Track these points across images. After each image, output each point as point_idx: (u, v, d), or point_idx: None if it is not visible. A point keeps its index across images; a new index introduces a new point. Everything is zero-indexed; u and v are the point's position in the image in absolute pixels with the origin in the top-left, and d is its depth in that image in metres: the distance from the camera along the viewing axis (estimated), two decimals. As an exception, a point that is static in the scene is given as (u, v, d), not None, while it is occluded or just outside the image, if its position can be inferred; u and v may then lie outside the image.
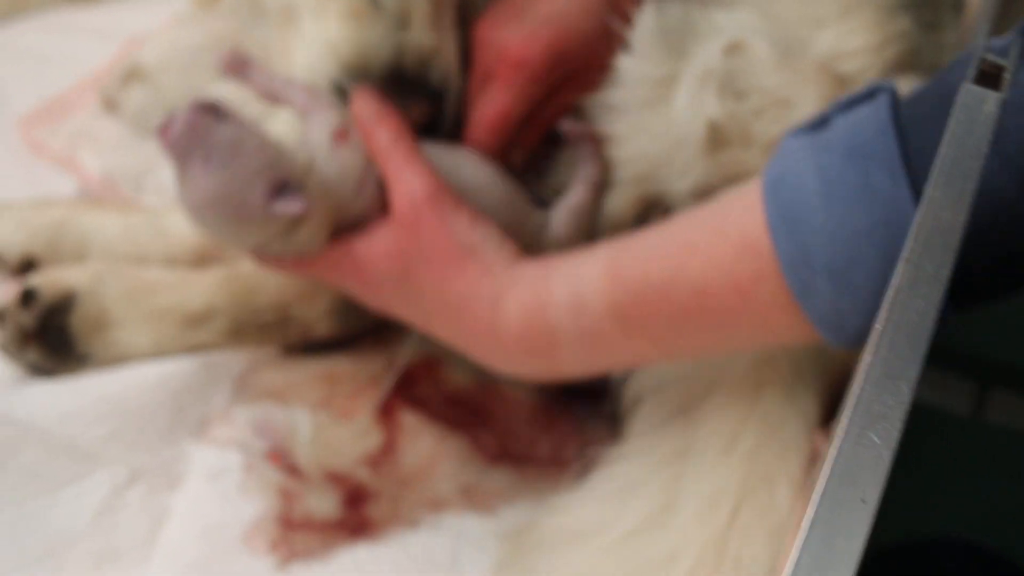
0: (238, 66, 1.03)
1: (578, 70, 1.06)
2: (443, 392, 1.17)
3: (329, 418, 1.15)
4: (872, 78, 1.06)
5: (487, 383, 1.18)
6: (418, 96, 1.02)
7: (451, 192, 0.97)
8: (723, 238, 0.82)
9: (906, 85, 1.05)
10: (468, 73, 1.10)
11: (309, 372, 1.18)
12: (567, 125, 1.08)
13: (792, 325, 0.81)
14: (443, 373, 1.19)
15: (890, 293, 0.53)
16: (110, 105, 1.46)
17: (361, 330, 1.19)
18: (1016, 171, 0.72)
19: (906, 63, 1.09)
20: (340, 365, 1.19)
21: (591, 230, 1.10)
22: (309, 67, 1.02)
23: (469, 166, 1.04)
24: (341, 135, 1.00)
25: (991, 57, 0.63)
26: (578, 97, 1.07)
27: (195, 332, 1.14)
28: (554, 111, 1.08)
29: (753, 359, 1.00)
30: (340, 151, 1.00)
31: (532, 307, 0.92)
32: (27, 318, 1.11)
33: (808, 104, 1.02)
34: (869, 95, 0.81)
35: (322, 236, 1.00)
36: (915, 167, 0.74)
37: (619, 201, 1.09)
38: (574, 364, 0.95)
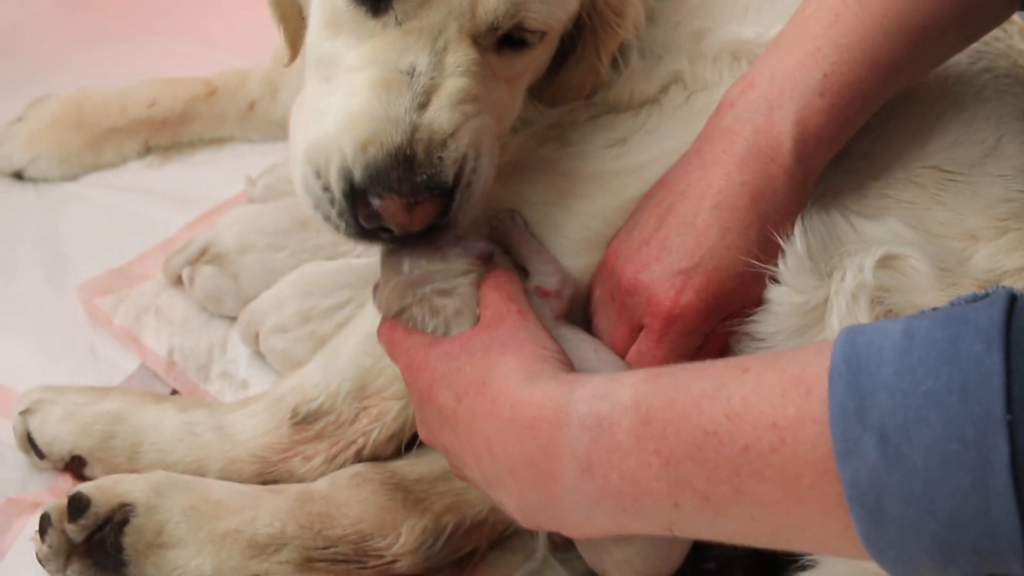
0: (509, 222, 1.08)
1: (734, 310, 1.01)
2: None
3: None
4: None
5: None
6: (430, 192, 0.96)
7: (536, 316, 0.97)
8: (778, 370, 0.74)
9: None
10: (601, 311, 1.07)
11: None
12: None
13: (823, 494, 0.70)
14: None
15: None
16: (176, 281, 1.42)
17: (445, 565, 1.13)
18: None
19: None
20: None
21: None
22: (322, 141, 0.99)
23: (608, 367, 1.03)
24: (543, 293, 1.04)
25: None
26: (734, 332, 1.02)
27: (261, 561, 1.07)
28: (711, 351, 1.03)
29: None
30: (558, 325, 1.03)
31: (562, 382, 0.86)
32: (75, 530, 1.04)
33: None
34: (998, 290, 0.73)
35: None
36: (1019, 344, 0.64)
37: None
38: (568, 462, 0.83)
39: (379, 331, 1.06)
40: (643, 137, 1.12)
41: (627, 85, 1.15)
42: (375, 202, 0.96)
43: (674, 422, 0.76)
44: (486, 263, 1.03)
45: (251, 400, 1.21)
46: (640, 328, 1.02)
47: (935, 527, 0.65)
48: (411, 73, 0.98)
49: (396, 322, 1.04)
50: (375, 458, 1.16)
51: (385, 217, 0.97)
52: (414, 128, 0.96)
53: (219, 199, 1.53)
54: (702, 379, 0.77)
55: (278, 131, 1.66)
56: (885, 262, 0.99)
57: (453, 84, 0.98)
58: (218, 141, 1.67)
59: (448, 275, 1.02)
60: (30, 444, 1.19)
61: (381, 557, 1.09)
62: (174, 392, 1.32)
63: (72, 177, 1.59)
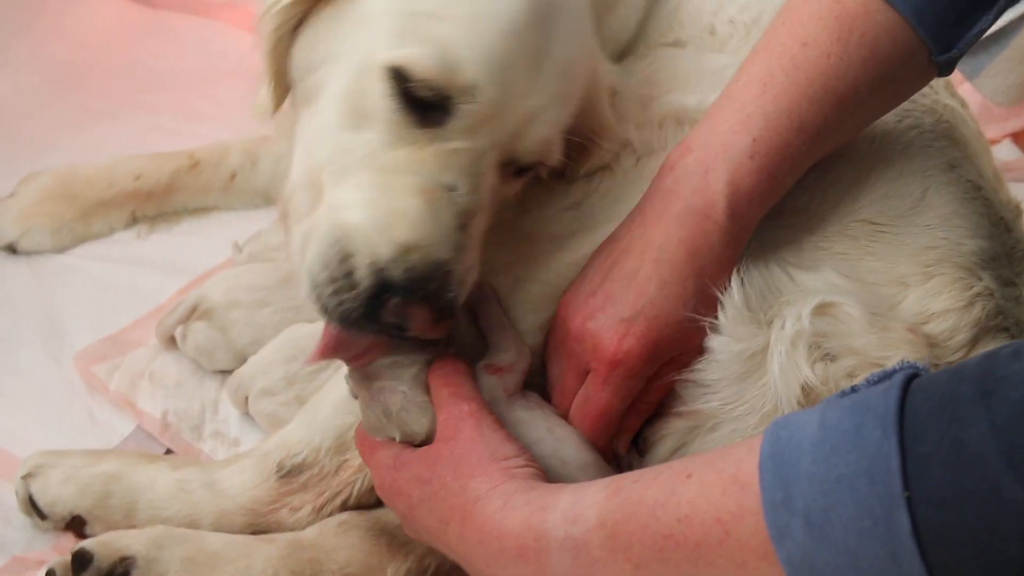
0: (482, 296, 1.08)
1: (674, 356, 1.05)
2: None
3: None
4: (961, 340, 1.06)
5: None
6: (451, 310, 1.01)
7: (490, 414, 1.00)
8: (717, 471, 0.81)
9: (995, 345, 1.06)
10: (554, 359, 1.10)
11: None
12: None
13: (767, 573, 0.77)
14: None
15: None
16: (168, 343, 1.46)
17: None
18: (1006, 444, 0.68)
19: (993, 323, 1.08)
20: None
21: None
22: (358, 228, 1.00)
23: (557, 447, 1.05)
24: (494, 369, 1.07)
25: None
26: (676, 378, 1.06)
27: None
28: (655, 395, 1.08)
29: None
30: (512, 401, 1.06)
31: (536, 508, 0.91)
32: None
33: None
34: (898, 370, 0.80)
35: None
36: (911, 428, 0.72)
37: None
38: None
39: (355, 435, 1.11)
40: (597, 200, 1.16)
41: None
42: (408, 307, 0.98)
43: (637, 532, 0.84)
44: (432, 347, 1.04)
45: (239, 457, 1.24)
46: (587, 372, 1.05)
47: None
48: (452, 190, 1.00)
49: (363, 430, 1.07)
50: (360, 507, 1.19)
51: (412, 323, 0.99)
52: (459, 249, 1.00)
53: (207, 266, 1.55)
54: (654, 489, 0.84)
55: (258, 199, 1.71)
56: (821, 310, 1.02)
57: (483, 219, 1.03)
58: (202, 210, 1.69)
59: (394, 368, 1.04)
60: (32, 507, 1.22)
61: None
62: (169, 452, 1.35)
63: (63, 249, 1.60)
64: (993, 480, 0.67)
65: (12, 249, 1.60)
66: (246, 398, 1.37)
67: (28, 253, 1.60)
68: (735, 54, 1.15)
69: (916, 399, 0.74)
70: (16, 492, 1.24)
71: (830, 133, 1.07)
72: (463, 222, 1.00)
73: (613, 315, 1.03)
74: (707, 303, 1.04)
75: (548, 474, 0.99)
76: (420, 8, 1.02)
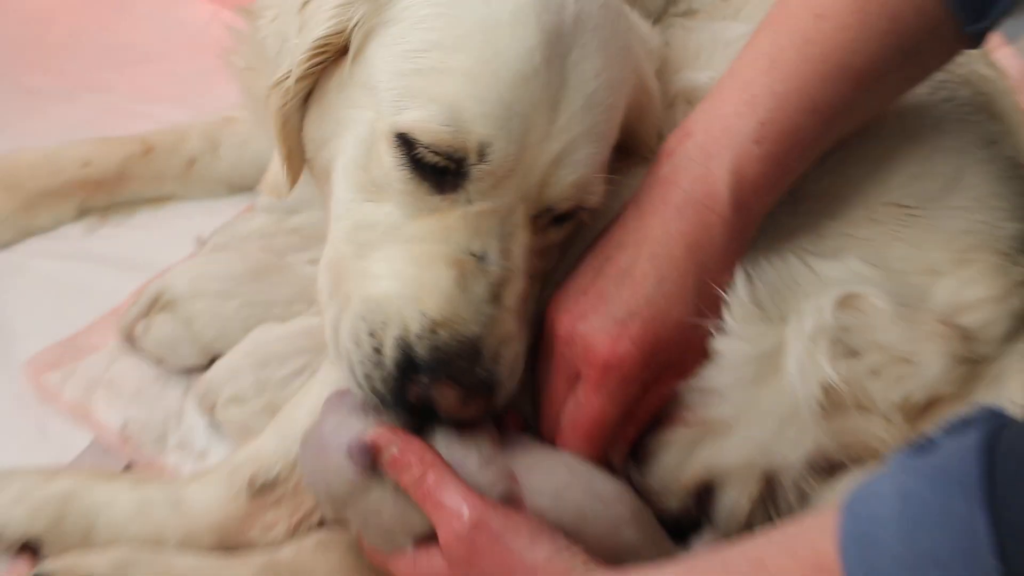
0: None
1: (673, 360, 1.02)
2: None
3: None
4: (998, 332, 1.03)
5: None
6: (482, 388, 0.98)
7: (498, 509, 0.95)
8: (794, 558, 0.79)
9: None
10: (540, 362, 1.08)
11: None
12: None
13: None
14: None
15: None
16: (130, 339, 1.40)
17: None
18: None
19: None
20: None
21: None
22: (387, 301, 0.99)
23: (588, 484, 1.03)
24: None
25: None
26: (677, 385, 1.04)
27: None
28: (654, 403, 1.05)
29: None
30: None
31: None
32: None
33: (932, 362, 1.00)
34: (980, 418, 0.78)
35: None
36: (1003, 498, 0.69)
37: (732, 502, 1.05)
38: None
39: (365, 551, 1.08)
40: None
41: None
42: (433, 388, 0.97)
43: None
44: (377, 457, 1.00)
45: (207, 472, 1.20)
46: (577, 377, 1.03)
47: None
48: (482, 258, 0.99)
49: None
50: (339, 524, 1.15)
51: (438, 403, 0.98)
52: (491, 322, 0.97)
53: (166, 262, 1.51)
54: None
55: (220, 188, 1.68)
56: (845, 302, 1.01)
57: (518, 285, 1.01)
58: (159, 200, 1.66)
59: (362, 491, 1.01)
60: None
61: None
62: (129, 466, 1.31)
63: (6, 244, 1.56)
64: None
65: None
66: (213, 405, 1.33)
67: None
68: (751, 21, 1.12)
69: (1005, 461, 0.72)
70: None
71: (847, 114, 1.05)
72: (496, 292, 0.99)
73: (606, 315, 1.01)
74: (710, 302, 1.01)
75: (588, 522, 0.98)
76: (422, 65, 1.01)
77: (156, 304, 1.40)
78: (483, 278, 0.99)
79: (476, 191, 0.99)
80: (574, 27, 1.00)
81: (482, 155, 0.97)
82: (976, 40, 1.07)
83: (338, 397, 1.05)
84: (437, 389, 0.96)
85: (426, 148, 0.98)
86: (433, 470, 0.97)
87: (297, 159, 1.16)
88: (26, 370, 1.39)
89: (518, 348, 1.01)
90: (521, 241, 1.01)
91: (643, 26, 1.13)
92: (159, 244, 1.56)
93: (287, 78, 1.10)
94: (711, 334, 1.01)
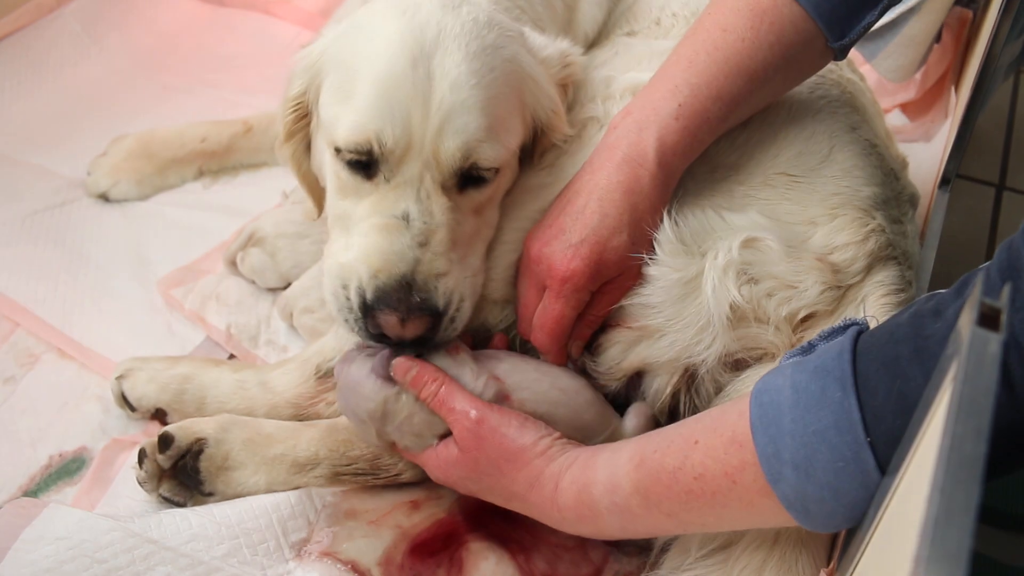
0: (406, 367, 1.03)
1: (613, 277, 1.04)
2: (508, 518, 1.10)
3: (408, 540, 1.09)
4: (859, 267, 1.05)
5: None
6: (421, 312, 1.00)
7: (494, 408, 0.99)
8: (718, 435, 0.84)
9: (887, 274, 1.06)
10: (521, 279, 1.09)
11: (392, 501, 1.13)
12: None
13: (770, 507, 0.81)
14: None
15: (926, 524, 0.48)
16: (232, 265, 1.44)
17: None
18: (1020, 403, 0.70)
19: (884, 253, 1.07)
20: (419, 494, 1.14)
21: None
22: (348, 265, 1.02)
23: (554, 379, 1.06)
24: (454, 349, 1.05)
25: (990, 301, 0.59)
26: (619, 296, 1.05)
27: (301, 476, 1.10)
28: (600, 308, 1.06)
29: None
30: (456, 357, 1.04)
31: (581, 485, 0.94)
32: (164, 459, 1.08)
33: (811, 288, 1.02)
34: (844, 328, 0.83)
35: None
36: (864, 386, 0.74)
37: (659, 386, 1.07)
38: (614, 530, 0.96)
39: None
40: (567, 160, 1.14)
41: None
42: (379, 316, 0.99)
43: (664, 492, 0.87)
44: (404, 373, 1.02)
45: (286, 361, 1.23)
46: (544, 289, 1.04)
47: (844, 511, 0.76)
48: (406, 218, 1.00)
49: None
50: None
51: (384, 328, 1.00)
52: (415, 263, 0.99)
53: (260, 210, 1.53)
54: (670, 457, 0.87)
55: None
56: (747, 243, 1.02)
57: (441, 235, 1.01)
58: (256, 166, 1.66)
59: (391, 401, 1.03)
60: (124, 401, 1.22)
61: (390, 471, 1.11)
62: (231, 357, 1.34)
63: (145, 197, 1.58)
64: None
65: (105, 197, 1.58)
66: (291, 314, 1.36)
67: (118, 201, 1.59)
68: (676, 39, 1.12)
69: (864, 361, 0.76)
70: (111, 390, 1.24)
71: (743, 103, 1.06)
72: (421, 241, 1.00)
73: (564, 241, 1.02)
74: (642, 238, 1.03)
75: (557, 407, 1.02)
76: (339, 98, 1.04)
77: (250, 241, 1.42)
78: (407, 232, 1.00)
79: (387, 171, 1.01)
80: (436, 38, 1.01)
81: (381, 143, 0.99)
82: (841, 53, 1.08)
83: (350, 352, 1.07)
84: (382, 317, 0.99)
85: (349, 151, 1.01)
86: (444, 384, 1.00)
87: (317, 190, 1.19)
88: (159, 287, 1.42)
89: (452, 282, 1.02)
90: (438, 201, 1.02)
91: (537, 38, 1.12)
92: (255, 197, 1.58)
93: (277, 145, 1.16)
94: (645, 263, 1.02)
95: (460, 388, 1.00)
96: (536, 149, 1.14)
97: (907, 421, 0.69)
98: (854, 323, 0.83)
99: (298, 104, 1.11)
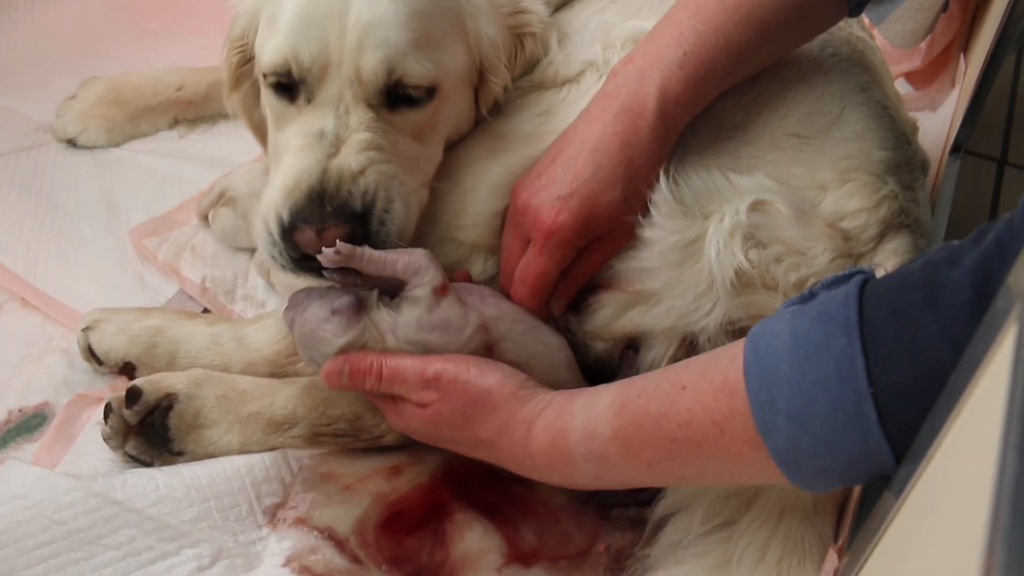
0: (348, 256, 0.95)
1: (603, 234, 1.00)
2: (495, 487, 1.08)
3: (387, 508, 1.06)
4: (871, 235, 1.02)
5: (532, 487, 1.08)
6: (336, 219, 0.96)
7: (448, 360, 0.95)
8: (708, 380, 0.80)
9: (899, 242, 1.03)
10: (505, 230, 1.06)
11: (372, 465, 1.09)
12: None
13: (758, 460, 0.77)
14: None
15: (1002, 488, 0.43)
16: (204, 219, 1.40)
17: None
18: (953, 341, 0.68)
19: (896, 221, 1.04)
20: (401, 459, 1.11)
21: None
22: (267, 199, 1.00)
23: (538, 333, 1.03)
24: (441, 290, 0.98)
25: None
26: (608, 255, 1.02)
27: (278, 436, 1.07)
28: (587, 267, 1.03)
29: (777, 487, 0.94)
30: (442, 302, 0.98)
31: (556, 430, 0.90)
32: (131, 415, 1.04)
33: (820, 254, 0.99)
34: (849, 276, 0.79)
35: None
36: (871, 334, 0.71)
37: (656, 356, 1.03)
38: (587, 479, 0.92)
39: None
40: (563, 108, 1.11)
41: (551, 68, 1.14)
42: (296, 236, 0.96)
43: (645, 440, 0.83)
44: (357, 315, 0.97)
45: (263, 316, 1.20)
46: (528, 241, 1.01)
47: (838, 467, 0.73)
48: (321, 135, 0.99)
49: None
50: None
51: (304, 247, 0.97)
52: (324, 171, 0.97)
53: (237, 161, 1.49)
54: (655, 403, 0.83)
55: None
56: (755, 206, 0.99)
57: (357, 136, 0.99)
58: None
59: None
60: (91, 354, 1.19)
61: (371, 432, 1.09)
62: (205, 311, 1.31)
63: (115, 144, 1.54)
64: (945, 372, 0.65)
65: (72, 143, 1.54)
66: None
67: (87, 148, 1.54)
68: None
69: (871, 307, 0.72)
70: (77, 342, 1.21)
71: (751, 55, 1.03)
72: (332, 151, 0.98)
73: (552, 193, 0.99)
74: (637, 196, 0.99)
75: (538, 360, 1.00)
76: (267, 28, 1.04)
77: (222, 199, 1.38)
78: (319, 146, 0.98)
79: (307, 92, 1.00)
80: None
81: (298, 62, 0.99)
82: (857, 8, 1.06)
83: (297, 296, 1.02)
84: (298, 235, 0.96)
85: (273, 75, 1.01)
86: (381, 363, 0.96)
87: (267, 139, 1.15)
88: (131, 236, 1.39)
89: (371, 181, 0.98)
90: (359, 115, 1.00)
91: None
92: (232, 147, 1.54)
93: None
94: (640, 224, 0.99)
95: (406, 356, 0.96)
96: (480, 97, 1.12)
97: (915, 372, 0.67)
98: (859, 271, 0.80)
99: (241, 45, 1.10)
